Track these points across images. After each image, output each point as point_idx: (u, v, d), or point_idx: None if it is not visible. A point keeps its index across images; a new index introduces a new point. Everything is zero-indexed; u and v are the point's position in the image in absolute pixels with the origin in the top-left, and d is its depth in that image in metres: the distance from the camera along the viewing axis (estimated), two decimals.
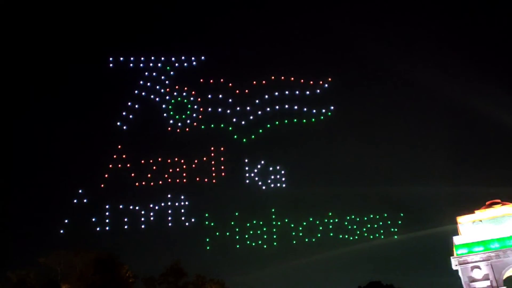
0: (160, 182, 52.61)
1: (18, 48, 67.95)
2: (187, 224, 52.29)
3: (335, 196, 63.34)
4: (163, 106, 54.05)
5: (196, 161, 53.82)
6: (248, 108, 55.19)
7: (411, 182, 72.61)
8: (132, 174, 52.33)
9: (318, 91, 55.41)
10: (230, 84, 55.43)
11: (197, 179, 53.31)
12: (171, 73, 54.71)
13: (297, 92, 55.22)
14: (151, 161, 53.13)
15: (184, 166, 53.44)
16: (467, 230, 55.96)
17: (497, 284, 51.64)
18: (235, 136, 54.80)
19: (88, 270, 46.25)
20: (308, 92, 55.52)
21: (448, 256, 57.19)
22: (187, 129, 53.98)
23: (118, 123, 52.51)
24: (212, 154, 54.23)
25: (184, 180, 52.93)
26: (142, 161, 52.99)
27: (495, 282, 51.70)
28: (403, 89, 77.02)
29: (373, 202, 63.40)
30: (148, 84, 54.06)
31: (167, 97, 54.14)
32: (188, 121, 54.12)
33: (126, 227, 51.17)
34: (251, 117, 55.17)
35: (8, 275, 44.83)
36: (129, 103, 53.14)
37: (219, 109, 54.88)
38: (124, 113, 52.77)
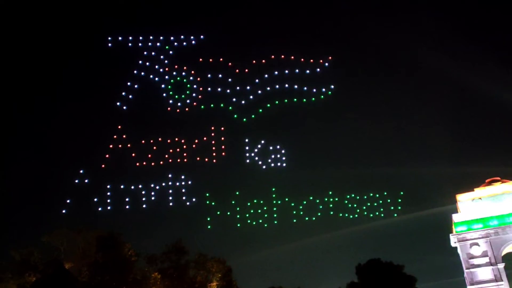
0: (161, 162, 52.68)
1: (16, 30, 67.48)
2: (188, 203, 52.53)
3: (335, 175, 63.58)
4: (163, 86, 53.80)
5: (196, 141, 53.82)
6: (248, 87, 54.94)
7: (411, 161, 72.88)
8: (133, 154, 52.42)
9: (319, 70, 55.05)
10: (230, 64, 55.09)
11: (198, 159, 53.39)
12: (170, 52, 54.33)
13: (297, 71, 54.90)
14: (151, 141, 53.11)
15: (185, 146, 53.44)
16: (467, 207, 56.33)
17: (496, 261, 52.24)
18: (235, 116, 54.65)
19: (90, 248, 46.66)
20: (308, 71, 55.18)
21: (447, 235, 57.67)
22: (186, 109, 53.81)
23: (118, 103, 52.34)
24: (212, 134, 54.18)
25: (185, 160, 53.01)
26: (143, 141, 53.00)
27: (494, 258, 52.31)
28: (403, 69, 76.73)
29: (373, 181, 63.67)
30: (147, 63, 53.73)
31: (166, 77, 53.83)
32: (188, 101, 53.90)
33: (127, 207, 51.55)
34: (251, 97, 54.95)
35: (11, 253, 45.25)
36: (129, 83, 52.90)
37: (219, 89, 54.62)
38: (123, 93, 52.58)
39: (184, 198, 52.24)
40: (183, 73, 54.31)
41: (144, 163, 52.17)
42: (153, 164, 52.39)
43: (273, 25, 68.16)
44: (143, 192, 51.74)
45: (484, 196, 55.99)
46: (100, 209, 50.14)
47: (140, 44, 53.99)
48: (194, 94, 54.16)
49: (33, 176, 62.61)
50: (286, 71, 55.19)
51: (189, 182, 52.74)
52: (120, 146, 51.81)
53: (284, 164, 54.04)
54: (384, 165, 69.76)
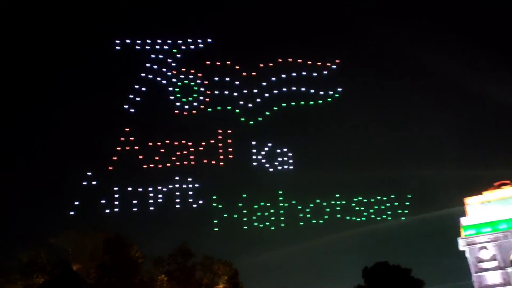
0: (168, 165, 52.76)
1: (24, 32, 68.13)
2: (195, 206, 52.62)
3: (342, 178, 63.39)
4: (170, 88, 54.07)
5: (203, 143, 53.94)
6: (255, 90, 55.07)
7: (419, 164, 72.53)
8: (140, 157, 52.54)
9: (326, 73, 55.15)
10: (237, 67, 55.25)
11: (205, 161, 53.48)
12: (178, 55, 54.60)
13: (304, 74, 54.97)
14: (158, 143, 53.24)
15: (192, 149, 53.57)
16: (475, 211, 55.89)
17: (505, 265, 51.75)
18: (242, 119, 54.81)
19: (98, 250, 46.80)
20: (315, 74, 55.24)
21: (455, 238, 57.21)
22: (194, 112, 54.01)
23: (126, 106, 52.56)
24: (220, 137, 54.31)
25: (192, 163, 53.10)
26: (150, 144, 53.14)
27: (503, 262, 51.83)
28: (411, 72, 76.60)
29: (380, 184, 63.43)
30: (155, 67, 54.02)
31: (174, 80, 54.10)
32: (195, 104, 54.11)
33: (135, 209, 51.65)
34: (258, 100, 55.07)
35: (19, 255, 45.47)
36: (136, 86, 53.14)
37: (226, 92, 54.82)
38: (131, 96, 52.80)
39: (191, 200, 52.39)
40: (191, 76, 54.55)
41: (151, 165, 52.29)
42: (160, 166, 52.52)
43: (280, 29, 68.43)
44: (151, 195, 51.85)
45: (493, 199, 55.54)
46: (107, 211, 50.30)
47: (147, 47, 54.28)
48: (201, 97, 54.39)
49: (41, 178, 62.97)
50: (293, 74, 55.31)
51: (196, 185, 52.87)
52: (127, 148, 51.98)
53: (291, 167, 54.08)
54: (392, 168, 69.53)
